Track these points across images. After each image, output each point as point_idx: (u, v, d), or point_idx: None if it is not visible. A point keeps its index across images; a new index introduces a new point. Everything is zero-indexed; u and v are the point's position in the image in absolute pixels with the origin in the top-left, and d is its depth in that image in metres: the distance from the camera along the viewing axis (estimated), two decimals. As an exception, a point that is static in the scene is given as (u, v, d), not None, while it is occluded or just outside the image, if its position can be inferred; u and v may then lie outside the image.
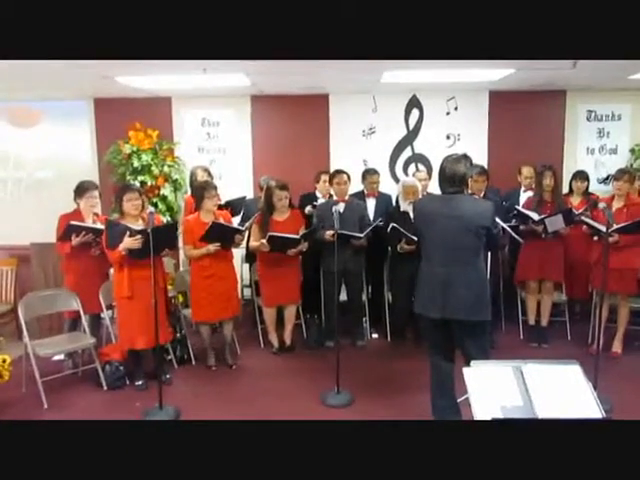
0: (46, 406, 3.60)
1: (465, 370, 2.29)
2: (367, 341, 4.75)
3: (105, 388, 3.87)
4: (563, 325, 4.74)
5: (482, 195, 4.34)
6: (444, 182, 2.92)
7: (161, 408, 3.43)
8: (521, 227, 4.32)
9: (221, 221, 4.02)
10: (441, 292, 2.90)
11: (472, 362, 2.36)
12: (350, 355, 4.33)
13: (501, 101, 5.51)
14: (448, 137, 5.58)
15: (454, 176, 2.87)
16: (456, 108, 5.56)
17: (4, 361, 3.42)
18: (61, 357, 4.30)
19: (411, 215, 3.82)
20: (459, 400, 3.05)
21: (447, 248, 2.89)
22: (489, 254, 3.59)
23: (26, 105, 5.73)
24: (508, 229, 4.14)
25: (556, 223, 4.19)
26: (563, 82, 5.05)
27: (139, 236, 3.51)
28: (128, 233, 3.55)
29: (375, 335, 4.90)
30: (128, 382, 3.94)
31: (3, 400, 3.59)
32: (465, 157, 2.93)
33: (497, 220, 3.32)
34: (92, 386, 3.90)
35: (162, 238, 3.59)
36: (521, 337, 4.69)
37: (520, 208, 4.37)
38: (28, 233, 5.42)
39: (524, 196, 4.81)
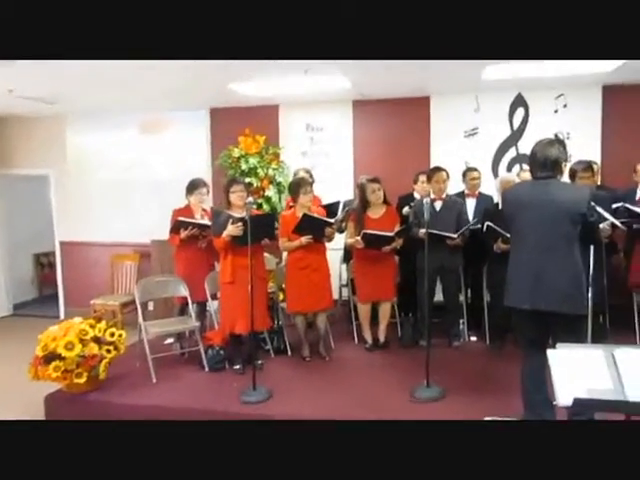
0: (154, 380, 3.94)
1: (550, 352, 2.18)
2: (463, 342, 4.62)
3: (207, 369, 4.14)
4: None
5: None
6: (535, 167, 2.82)
7: (255, 389, 3.62)
8: (634, 226, 3.98)
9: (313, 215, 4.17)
10: (532, 281, 2.77)
11: (558, 344, 2.25)
12: (445, 354, 4.26)
13: (616, 96, 5.13)
14: (556, 136, 5.30)
15: (546, 160, 2.76)
16: (565, 105, 5.27)
17: (120, 335, 3.82)
18: (171, 340, 4.70)
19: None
20: (554, 403, 2.88)
21: (539, 236, 2.76)
22: (592, 249, 3.33)
23: (153, 115, 6.36)
24: (611, 218, 3.64)
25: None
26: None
27: (240, 223, 3.76)
28: (231, 220, 3.82)
29: (474, 338, 4.74)
30: (228, 366, 4.18)
31: (119, 372, 3.99)
32: (558, 141, 2.83)
33: (599, 209, 3.11)
34: (195, 367, 4.20)
35: (261, 226, 3.82)
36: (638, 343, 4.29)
37: (629, 205, 4.03)
38: (150, 231, 5.99)
39: (641, 195, 4.44)
